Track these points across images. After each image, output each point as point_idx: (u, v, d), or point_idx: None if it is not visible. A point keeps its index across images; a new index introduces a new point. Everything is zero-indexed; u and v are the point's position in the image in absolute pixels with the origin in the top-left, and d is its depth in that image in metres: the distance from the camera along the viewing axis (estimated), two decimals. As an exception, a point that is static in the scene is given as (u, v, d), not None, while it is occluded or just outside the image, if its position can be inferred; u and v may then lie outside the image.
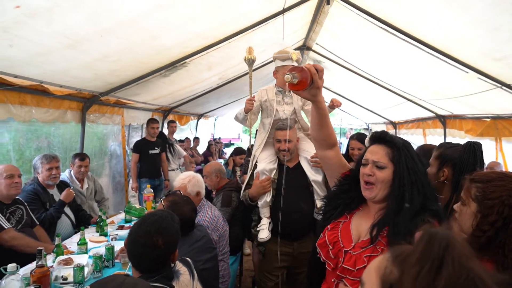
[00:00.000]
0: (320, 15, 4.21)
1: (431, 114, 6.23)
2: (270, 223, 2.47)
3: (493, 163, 4.37)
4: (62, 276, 2.00)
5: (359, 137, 3.22)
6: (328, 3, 3.49)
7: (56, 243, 2.35)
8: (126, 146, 5.63)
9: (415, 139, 7.16)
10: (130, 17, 2.41)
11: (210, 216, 2.42)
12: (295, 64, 2.44)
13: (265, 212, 2.48)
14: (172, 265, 1.46)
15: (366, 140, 1.49)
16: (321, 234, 1.50)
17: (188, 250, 1.73)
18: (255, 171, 2.56)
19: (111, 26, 2.44)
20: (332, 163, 1.59)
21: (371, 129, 11.49)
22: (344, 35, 4.74)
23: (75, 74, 3.12)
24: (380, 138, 1.42)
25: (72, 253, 2.46)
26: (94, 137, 4.55)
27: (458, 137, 5.76)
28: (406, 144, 1.39)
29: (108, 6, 2.19)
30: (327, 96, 2.61)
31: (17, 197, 2.70)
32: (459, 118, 5.57)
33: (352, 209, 1.48)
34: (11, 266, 1.64)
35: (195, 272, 1.53)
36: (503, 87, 3.43)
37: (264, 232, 2.42)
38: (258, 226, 2.49)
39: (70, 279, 1.99)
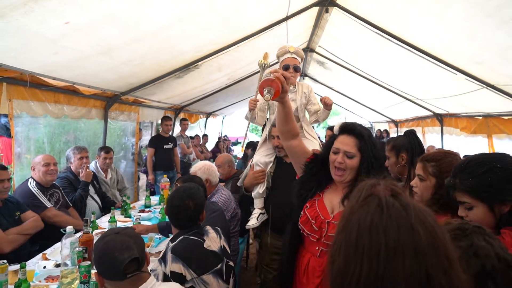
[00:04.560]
0: (321, 21, 4.56)
1: (429, 113, 6.54)
2: (261, 213, 2.57)
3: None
4: (99, 245, 2.41)
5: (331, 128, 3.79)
6: (327, 11, 3.85)
7: (91, 219, 2.77)
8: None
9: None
10: (154, 28, 2.82)
11: (224, 198, 2.79)
12: (294, 56, 2.57)
13: (257, 203, 2.57)
14: (202, 226, 1.87)
15: (336, 129, 1.71)
16: (301, 213, 1.73)
17: (207, 219, 2.12)
18: (251, 163, 2.68)
19: (137, 36, 2.85)
20: (297, 151, 1.83)
21: (374, 128, 11.77)
22: (344, 39, 5.08)
23: (102, 76, 3.54)
24: (350, 130, 1.66)
25: (104, 229, 2.89)
26: (114, 132, 5.00)
27: (455, 134, 6.07)
28: (370, 135, 1.67)
29: (137, 20, 2.60)
30: (329, 95, 2.74)
31: (54, 182, 3.12)
32: (454, 116, 5.87)
33: (322, 188, 1.74)
34: (69, 228, 2.07)
35: (221, 235, 1.95)
36: (488, 87, 3.76)
37: (252, 220, 2.52)
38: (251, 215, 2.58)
39: (106, 247, 2.42)
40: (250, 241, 4.54)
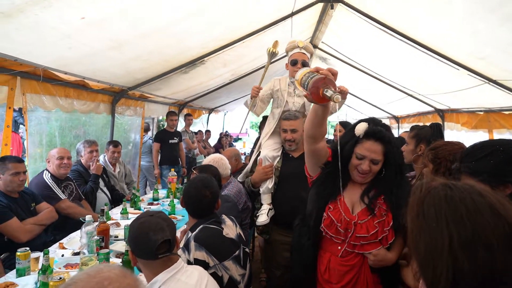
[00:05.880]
0: (326, 17, 4.61)
1: (431, 109, 6.59)
2: (270, 209, 2.52)
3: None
4: (114, 235, 2.49)
5: (342, 123, 3.87)
6: (332, 8, 3.90)
7: (105, 210, 2.85)
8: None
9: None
10: (163, 24, 2.88)
11: (235, 190, 2.81)
12: (303, 51, 2.52)
13: (266, 199, 2.53)
14: (218, 215, 1.95)
15: (360, 132, 1.59)
16: (324, 215, 1.68)
17: (221, 208, 2.19)
18: (258, 158, 2.63)
19: (146, 32, 2.91)
20: (322, 153, 1.73)
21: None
22: (348, 35, 5.14)
23: (111, 71, 3.61)
24: (379, 137, 1.58)
25: (115, 220, 2.96)
26: (120, 127, 5.07)
27: (456, 130, 6.14)
28: (393, 139, 1.63)
29: (147, 16, 2.67)
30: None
31: (67, 175, 3.20)
32: (455, 112, 5.94)
33: (343, 188, 1.69)
34: (88, 217, 2.15)
35: (237, 223, 2.03)
36: (490, 82, 3.82)
37: (262, 217, 2.46)
38: (258, 211, 2.54)
39: (120, 237, 2.50)
40: (255, 234, 4.62)
